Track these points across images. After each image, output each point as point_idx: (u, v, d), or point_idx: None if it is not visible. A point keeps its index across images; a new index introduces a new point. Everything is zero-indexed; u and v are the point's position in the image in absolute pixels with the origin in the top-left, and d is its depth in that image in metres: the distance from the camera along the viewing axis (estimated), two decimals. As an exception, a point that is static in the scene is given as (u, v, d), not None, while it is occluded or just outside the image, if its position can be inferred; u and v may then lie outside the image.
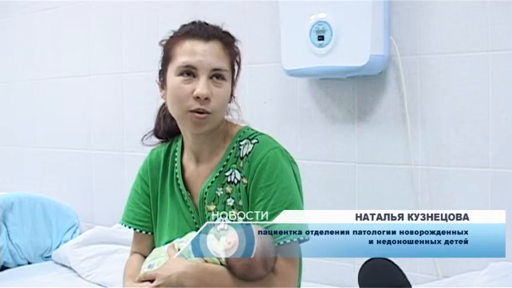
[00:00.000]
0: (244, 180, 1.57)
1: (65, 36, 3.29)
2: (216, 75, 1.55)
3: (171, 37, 1.61)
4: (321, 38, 2.16)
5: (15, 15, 3.53)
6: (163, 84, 1.62)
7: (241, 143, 1.60)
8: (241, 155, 1.58)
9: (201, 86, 1.52)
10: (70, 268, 2.77)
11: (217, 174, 1.60)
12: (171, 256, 1.53)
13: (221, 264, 1.51)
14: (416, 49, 2.15)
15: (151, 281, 1.51)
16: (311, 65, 2.21)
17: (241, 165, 1.58)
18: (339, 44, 2.14)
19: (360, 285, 1.45)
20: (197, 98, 1.52)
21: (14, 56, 3.56)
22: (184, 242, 1.56)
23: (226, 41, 1.59)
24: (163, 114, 1.70)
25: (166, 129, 1.71)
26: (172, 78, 1.56)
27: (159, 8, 2.87)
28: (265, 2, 2.47)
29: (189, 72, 1.54)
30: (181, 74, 1.54)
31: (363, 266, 1.50)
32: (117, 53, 3.07)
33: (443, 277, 2.08)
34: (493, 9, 2.00)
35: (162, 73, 1.62)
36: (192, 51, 1.54)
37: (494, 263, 1.95)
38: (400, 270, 1.43)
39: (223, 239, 1.54)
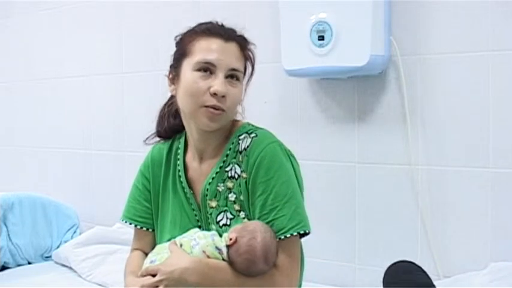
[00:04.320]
0: (244, 175, 1.57)
1: (65, 36, 3.29)
2: (232, 75, 1.57)
3: (188, 33, 1.62)
4: (321, 38, 2.16)
5: (15, 15, 3.53)
6: (174, 79, 1.62)
7: (240, 137, 1.61)
8: (240, 150, 1.59)
9: (218, 83, 1.53)
10: (70, 268, 2.77)
11: (218, 170, 1.61)
12: (173, 252, 1.54)
13: (223, 259, 1.52)
14: (416, 49, 2.15)
15: (153, 276, 1.51)
16: (311, 65, 2.21)
17: (240, 159, 1.59)
18: (339, 44, 2.14)
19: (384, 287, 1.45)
20: (214, 94, 1.53)
21: (14, 56, 3.56)
22: (187, 238, 1.56)
23: (243, 43, 1.62)
24: (167, 111, 1.71)
25: (170, 127, 1.72)
26: (188, 73, 1.57)
27: (159, 8, 2.87)
28: (265, 2, 2.47)
29: (207, 68, 1.55)
30: (198, 70, 1.55)
31: (388, 268, 1.50)
32: (117, 53, 3.07)
33: (443, 277, 2.09)
34: (493, 9, 2.00)
35: (175, 68, 1.62)
36: (212, 49, 1.56)
37: (494, 263, 1.95)
38: (425, 272, 1.43)
39: (225, 234, 1.55)
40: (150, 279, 1.50)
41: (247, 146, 1.58)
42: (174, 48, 1.65)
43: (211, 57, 1.55)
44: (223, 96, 1.54)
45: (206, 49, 1.56)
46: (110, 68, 3.10)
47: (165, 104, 1.73)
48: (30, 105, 3.49)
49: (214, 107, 1.54)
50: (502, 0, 1.99)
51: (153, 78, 2.85)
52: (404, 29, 2.17)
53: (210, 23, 1.63)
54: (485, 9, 2.02)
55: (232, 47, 1.58)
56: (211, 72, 1.55)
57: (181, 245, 1.55)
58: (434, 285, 1.42)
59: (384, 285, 1.47)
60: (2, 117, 3.65)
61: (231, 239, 1.51)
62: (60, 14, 3.30)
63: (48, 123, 3.40)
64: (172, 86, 1.64)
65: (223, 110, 1.55)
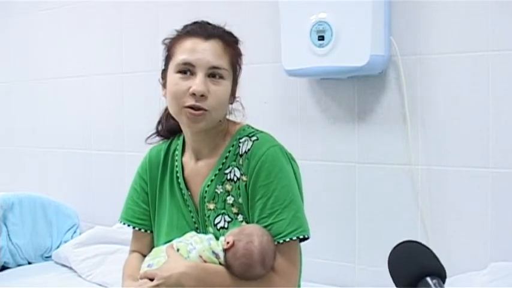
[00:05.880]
0: (244, 178, 1.57)
1: (65, 36, 3.29)
2: (214, 73, 1.55)
3: (172, 36, 1.63)
4: (321, 38, 2.16)
5: (15, 15, 3.53)
6: (165, 83, 1.63)
7: (240, 140, 1.60)
8: (240, 153, 1.58)
9: (197, 82, 1.53)
10: (70, 268, 2.77)
11: (217, 172, 1.60)
12: (170, 256, 1.53)
13: (220, 263, 1.51)
14: (416, 49, 2.15)
15: (151, 280, 1.51)
16: (311, 65, 2.21)
17: (240, 162, 1.58)
18: (339, 44, 2.14)
19: (389, 270, 1.43)
20: (193, 94, 1.52)
21: (14, 56, 3.56)
22: (183, 242, 1.56)
23: (227, 40, 1.60)
24: (168, 113, 1.71)
25: (168, 128, 1.72)
26: (171, 76, 1.57)
27: (159, 8, 2.87)
28: (265, 2, 2.47)
29: (187, 69, 1.55)
30: (179, 72, 1.55)
31: (393, 249, 1.47)
32: (117, 53, 3.07)
33: (443, 277, 2.08)
34: (493, 9, 2.00)
35: (164, 72, 1.63)
36: (191, 49, 1.55)
37: (494, 263, 1.95)
38: (434, 254, 1.40)
39: (222, 238, 1.54)
40: (147, 284, 1.50)
41: (248, 149, 1.57)
42: None
43: (190, 57, 1.54)
44: (202, 96, 1.52)
45: (185, 50, 1.56)
46: (110, 68, 3.10)
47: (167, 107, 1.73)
48: (30, 105, 3.49)
49: (193, 107, 1.53)
50: (502, 0, 1.99)
51: (153, 78, 2.82)
52: (405, 29, 2.17)
53: (195, 23, 1.62)
54: (485, 9, 2.01)
55: (213, 45, 1.56)
56: (192, 73, 1.54)
57: (178, 250, 1.54)
58: (444, 269, 1.40)
59: (389, 268, 1.46)
60: (2, 117, 3.65)
61: (228, 243, 1.50)
62: (60, 14, 3.30)
63: (48, 123, 3.40)
64: (164, 90, 1.64)
65: (205, 110, 1.53)
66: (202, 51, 1.55)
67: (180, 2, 2.77)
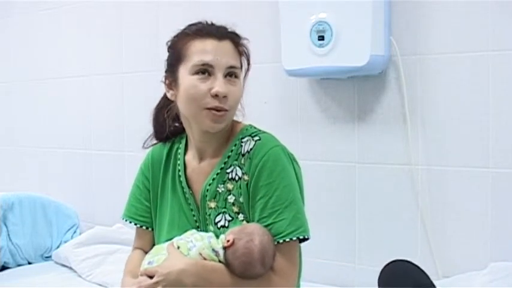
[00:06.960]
0: (246, 177, 1.57)
1: (65, 36, 3.29)
2: (230, 73, 1.56)
3: (180, 36, 1.61)
4: (321, 38, 2.16)
5: (15, 15, 3.53)
6: (171, 84, 1.62)
7: (243, 140, 1.60)
8: (242, 152, 1.59)
9: (219, 84, 1.53)
10: (70, 268, 2.77)
11: (219, 171, 1.60)
12: (171, 253, 1.54)
13: (219, 261, 1.51)
14: (416, 49, 2.15)
15: (151, 277, 1.51)
16: (311, 65, 2.21)
17: (242, 162, 1.58)
18: (339, 44, 2.14)
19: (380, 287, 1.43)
20: (215, 96, 1.52)
21: (14, 56, 3.56)
22: (184, 240, 1.56)
23: (236, 40, 1.61)
24: (167, 116, 1.69)
25: (172, 131, 1.71)
26: (186, 78, 1.56)
27: (159, 8, 2.87)
28: (265, 2, 2.47)
29: (205, 70, 1.54)
30: (196, 73, 1.54)
31: (384, 268, 1.47)
32: (117, 53, 3.07)
33: (443, 277, 2.08)
34: (493, 9, 2.00)
35: (172, 73, 1.61)
36: (207, 50, 1.55)
37: (494, 263, 1.95)
38: (423, 271, 1.40)
39: (222, 236, 1.54)
40: (147, 281, 1.51)
41: (251, 149, 1.57)
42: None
43: (207, 58, 1.54)
44: (224, 97, 1.53)
45: (201, 51, 1.55)
46: (110, 68, 3.10)
47: (160, 108, 1.71)
48: (30, 105, 3.49)
49: (217, 109, 1.53)
50: (502, 0, 1.99)
51: (153, 78, 2.83)
52: (405, 29, 2.17)
53: (200, 23, 1.61)
54: (485, 9, 2.02)
55: (227, 45, 1.57)
56: (210, 74, 1.54)
57: (178, 247, 1.54)
58: (433, 285, 1.40)
59: (379, 286, 1.45)
60: (2, 117, 3.65)
61: (228, 241, 1.50)
62: (60, 14, 3.30)
63: (48, 123, 3.40)
64: (171, 92, 1.62)
65: (226, 110, 1.54)
66: (219, 52, 1.55)
67: (180, 2, 2.77)
